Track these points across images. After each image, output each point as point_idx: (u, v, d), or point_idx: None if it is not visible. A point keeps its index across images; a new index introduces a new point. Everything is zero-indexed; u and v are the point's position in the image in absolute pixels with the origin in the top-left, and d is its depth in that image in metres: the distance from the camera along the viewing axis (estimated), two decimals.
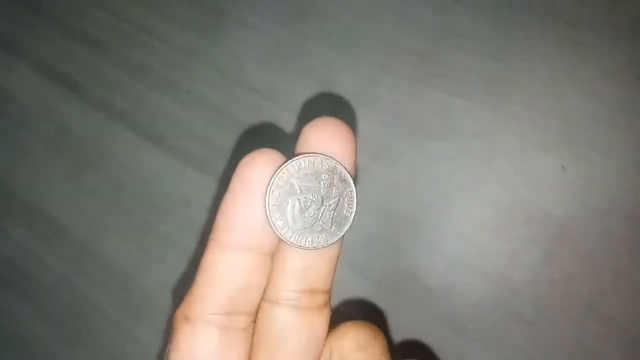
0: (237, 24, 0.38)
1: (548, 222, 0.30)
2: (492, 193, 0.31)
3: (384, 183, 0.33)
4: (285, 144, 0.35)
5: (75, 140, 0.40)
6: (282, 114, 0.36)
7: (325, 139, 0.18)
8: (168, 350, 0.19)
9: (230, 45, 0.38)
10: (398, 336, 0.32)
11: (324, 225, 0.18)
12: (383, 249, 0.33)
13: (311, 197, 0.18)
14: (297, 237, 0.18)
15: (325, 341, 0.20)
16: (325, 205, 0.18)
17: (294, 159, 0.18)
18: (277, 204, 0.18)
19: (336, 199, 0.18)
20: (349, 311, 0.32)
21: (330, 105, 0.35)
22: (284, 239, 0.18)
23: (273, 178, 0.18)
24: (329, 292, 0.20)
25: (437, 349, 0.31)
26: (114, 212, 0.38)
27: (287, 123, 0.36)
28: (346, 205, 0.19)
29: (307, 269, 0.19)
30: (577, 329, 0.30)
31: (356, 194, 0.19)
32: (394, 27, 0.34)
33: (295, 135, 0.35)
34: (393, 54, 0.34)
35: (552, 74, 0.31)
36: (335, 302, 0.30)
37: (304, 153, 0.18)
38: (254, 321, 0.19)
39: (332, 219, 0.19)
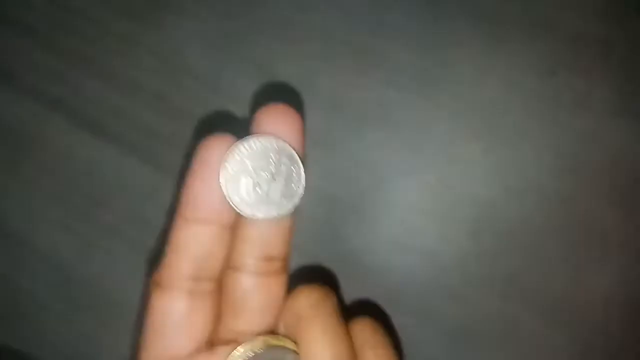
0: (178, 13, 0.38)
1: (473, 202, 0.33)
2: (424, 178, 0.34)
3: (323, 169, 0.34)
4: (227, 130, 0.36)
5: (8, 130, 0.39)
6: (223, 102, 0.36)
7: (275, 123, 0.21)
8: (142, 314, 0.22)
9: (171, 33, 0.38)
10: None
11: (275, 199, 0.21)
12: (324, 232, 0.34)
13: (262, 174, 0.21)
14: (251, 210, 0.20)
15: (283, 303, 0.23)
16: (276, 181, 0.21)
17: (245, 139, 0.20)
18: (232, 181, 0.20)
19: (285, 174, 0.21)
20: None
21: (271, 94, 0.36)
22: (240, 211, 0.20)
23: (227, 158, 0.20)
24: (285, 260, 0.23)
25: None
26: (53, 203, 0.38)
27: (228, 110, 0.36)
28: (295, 181, 0.21)
29: (262, 238, 0.21)
30: (501, 300, 0.32)
31: (303, 170, 0.21)
32: (331, 18, 0.36)
33: (236, 122, 0.36)
34: (331, 45, 0.35)
35: (476, 67, 0.33)
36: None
37: (255, 135, 0.20)
38: (219, 286, 0.22)
39: (282, 192, 0.21)
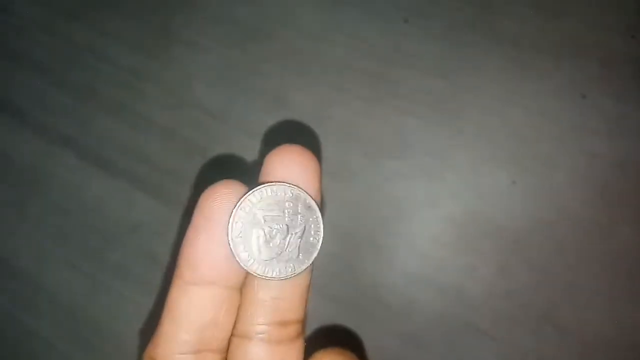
0: (187, 46, 0.38)
1: (501, 235, 0.31)
2: (446, 209, 0.32)
3: (340, 202, 0.33)
4: (238, 166, 0.35)
5: (17, 167, 0.38)
6: (234, 136, 0.35)
7: (288, 167, 0.18)
8: None
9: (180, 66, 0.37)
10: (361, 356, 0.31)
11: (290, 255, 0.18)
12: (342, 267, 0.33)
13: (276, 227, 0.18)
14: (263, 268, 0.18)
15: None
16: (291, 234, 0.18)
17: (256, 188, 0.18)
18: (241, 235, 0.18)
19: (302, 226, 0.18)
20: (313, 334, 0.32)
21: (283, 126, 0.35)
22: (249, 271, 0.18)
23: (235, 209, 0.17)
24: (302, 322, 0.19)
25: None
26: (60, 241, 0.37)
27: (240, 144, 0.35)
28: (312, 232, 0.18)
29: (276, 300, 0.18)
30: (534, 339, 0.30)
31: (322, 220, 0.18)
32: (345, 48, 0.35)
33: (247, 157, 0.35)
34: (345, 74, 0.34)
35: (498, 92, 0.32)
36: (311, 331, 0.30)
37: (266, 182, 0.18)
38: (225, 359, 0.19)
39: (298, 247, 0.18)
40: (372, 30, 0.34)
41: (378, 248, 0.32)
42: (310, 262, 0.18)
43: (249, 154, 0.35)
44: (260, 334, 0.18)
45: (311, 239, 0.18)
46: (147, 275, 0.35)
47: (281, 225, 0.18)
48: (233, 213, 0.17)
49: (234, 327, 0.19)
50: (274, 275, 0.18)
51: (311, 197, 0.18)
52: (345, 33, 0.35)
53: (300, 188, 0.18)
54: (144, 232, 0.35)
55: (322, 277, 0.32)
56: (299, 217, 0.18)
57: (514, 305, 0.31)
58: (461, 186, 0.32)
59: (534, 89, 0.31)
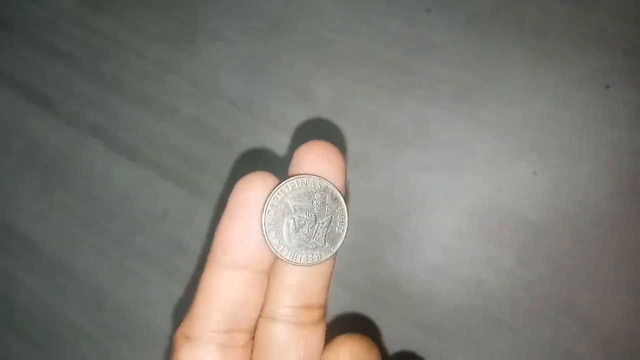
0: (211, 37, 0.38)
1: (522, 226, 0.31)
2: (467, 200, 0.32)
3: (362, 193, 0.33)
4: (262, 156, 0.35)
5: (47, 156, 0.39)
6: (258, 126, 0.36)
7: (316, 161, 0.19)
8: None
9: (204, 58, 0.38)
10: (380, 344, 0.32)
11: (317, 242, 0.19)
12: (363, 258, 0.33)
13: (305, 216, 0.19)
14: (292, 254, 0.19)
15: (321, 355, 0.20)
16: (319, 223, 0.19)
17: (288, 180, 0.19)
18: (273, 223, 0.19)
19: (329, 217, 0.19)
20: (334, 321, 0.32)
21: (306, 116, 0.35)
22: (280, 256, 0.19)
23: (269, 198, 0.19)
24: (324, 308, 0.21)
25: (419, 355, 0.31)
26: (89, 227, 0.38)
27: (263, 135, 0.36)
28: (338, 222, 0.20)
29: (302, 285, 0.20)
30: (554, 331, 0.30)
31: (347, 211, 0.20)
32: (368, 38, 0.35)
33: (270, 147, 0.35)
34: (367, 65, 0.35)
35: (521, 82, 0.32)
36: (331, 318, 0.31)
37: (297, 174, 0.19)
38: (253, 338, 0.20)
39: (325, 236, 0.19)
40: (395, 21, 0.34)
41: (399, 239, 0.33)
42: (335, 250, 0.19)
43: (272, 144, 0.35)
44: (286, 316, 0.19)
45: (337, 229, 0.19)
46: (172, 261, 0.36)
47: (310, 215, 0.19)
48: (266, 202, 0.19)
49: (262, 309, 0.20)
50: (301, 262, 0.19)
51: (338, 189, 0.19)
52: (368, 24, 0.35)
53: (329, 181, 0.19)
54: (170, 220, 0.36)
55: (343, 267, 0.33)
56: (327, 207, 0.19)
57: (533, 297, 0.31)
58: (482, 177, 0.32)
59: (558, 80, 0.31)
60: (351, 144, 0.33)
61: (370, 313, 0.32)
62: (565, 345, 0.30)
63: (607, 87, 0.30)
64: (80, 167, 0.39)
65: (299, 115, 0.35)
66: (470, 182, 0.32)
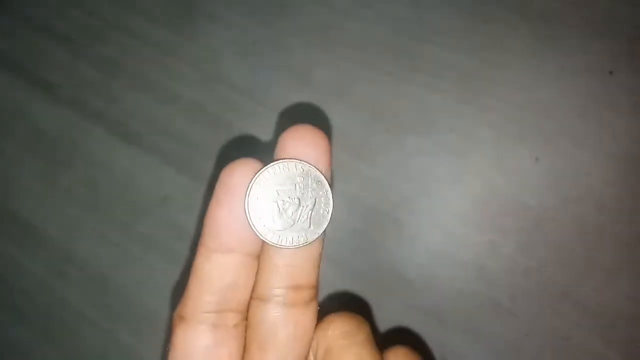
0: (212, 21, 0.38)
1: (523, 212, 0.31)
2: (469, 185, 0.32)
3: (364, 178, 0.33)
4: (263, 140, 0.35)
5: (48, 140, 0.39)
6: (259, 110, 0.36)
7: (300, 145, 0.20)
8: (167, 349, 0.20)
9: (206, 41, 0.38)
10: (382, 327, 0.32)
11: (302, 225, 0.20)
12: (364, 243, 0.33)
13: (288, 200, 0.20)
14: (278, 237, 0.20)
15: (313, 333, 0.21)
16: (303, 206, 0.20)
17: (269, 165, 0.19)
18: (257, 207, 0.19)
19: (312, 199, 0.20)
20: (334, 305, 0.32)
21: (308, 101, 0.35)
22: (265, 239, 0.19)
23: (251, 184, 0.19)
24: (315, 288, 0.21)
25: (419, 339, 0.31)
26: (90, 212, 0.38)
27: (264, 119, 0.36)
28: (323, 205, 0.20)
29: (290, 267, 0.20)
30: (554, 316, 0.31)
31: (331, 194, 0.20)
32: (371, 23, 0.35)
33: (272, 132, 0.35)
34: (370, 49, 0.34)
35: (525, 68, 0.32)
36: (324, 299, 0.31)
37: (279, 159, 0.19)
38: (245, 319, 0.21)
39: (310, 218, 0.20)
40: (398, 6, 0.34)
41: (400, 224, 0.33)
42: (321, 233, 0.20)
43: (274, 129, 0.35)
44: (277, 297, 0.20)
45: (321, 211, 0.20)
46: (173, 246, 0.36)
47: (293, 199, 0.20)
48: (249, 187, 0.19)
49: (254, 290, 0.21)
50: (287, 244, 0.20)
51: (321, 172, 0.20)
52: (371, 8, 0.35)
53: (310, 164, 0.19)
54: (171, 205, 0.36)
55: (344, 252, 0.33)
56: (310, 191, 0.20)
57: (534, 282, 0.31)
58: (484, 163, 0.32)
59: (561, 66, 0.31)
60: (353, 129, 0.33)
61: (371, 298, 0.32)
62: (564, 331, 0.30)
63: (611, 72, 0.30)
64: (81, 152, 0.39)
65: (300, 100, 0.35)
66: (472, 168, 0.32)
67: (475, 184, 0.32)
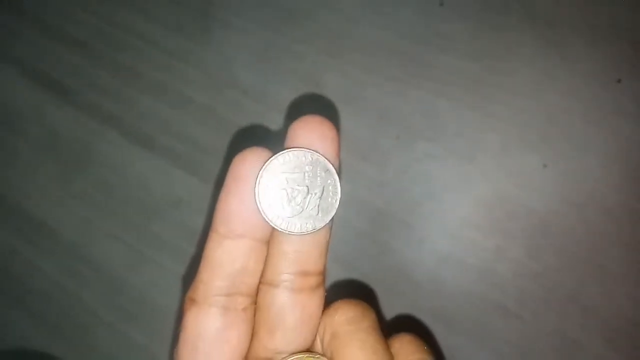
0: (225, 27, 0.39)
1: (530, 217, 0.31)
2: (477, 190, 0.32)
3: (372, 182, 0.34)
4: (273, 143, 0.36)
5: (64, 143, 0.40)
6: (270, 115, 0.36)
7: (309, 135, 0.20)
8: (178, 331, 0.21)
9: (218, 47, 0.38)
10: (388, 329, 0.32)
11: (311, 212, 0.20)
12: (372, 246, 0.33)
13: (297, 187, 0.20)
14: (286, 224, 0.20)
15: (320, 319, 0.22)
16: (311, 194, 0.20)
17: (279, 153, 0.20)
18: (266, 194, 0.20)
19: (320, 188, 0.20)
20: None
21: (317, 106, 0.36)
22: (274, 225, 0.20)
23: (261, 172, 0.20)
24: (322, 274, 0.22)
25: (426, 340, 0.32)
26: (104, 214, 0.38)
27: (275, 123, 0.36)
28: (331, 193, 0.20)
29: (298, 253, 0.21)
30: (560, 320, 0.31)
31: (339, 182, 0.20)
32: (380, 29, 0.35)
33: (283, 135, 0.36)
34: (379, 55, 0.35)
35: (532, 74, 0.32)
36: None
37: (288, 148, 0.20)
38: (254, 302, 0.22)
39: (318, 206, 0.20)
40: (406, 12, 0.35)
41: (409, 228, 0.33)
42: (329, 220, 0.20)
43: (284, 134, 0.36)
44: (285, 282, 0.21)
45: (329, 199, 0.20)
46: (186, 248, 0.36)
47: (302, 187, 0.20)
48: (259, 175, 0.20)
49: (263, 275, 0.21)
50: (295, 231, 0.20)
51: (329, 161, 0.20)
52: (381, 14, 0.35)
53: (319, 153, 0.20)
54: (184, 208, 0.37)
55: (353, 254, 0.33)
56: (318, 179, 0.20)
57: (540, 286, 0.31)
58: (492, 168, 0.32)
59: (569, 72, 0.31)
60: (362, 134, 0.34)
61: (379, 300, 0.33)
62: (572, 335, 0.30)
63: (619, 80, 0.30)
64: (96, 155, 0.39)
65: (310, 104, 0.36)
66: (480, 173, 0.32)
67: (483, 188, 0.32)
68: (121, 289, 0.37)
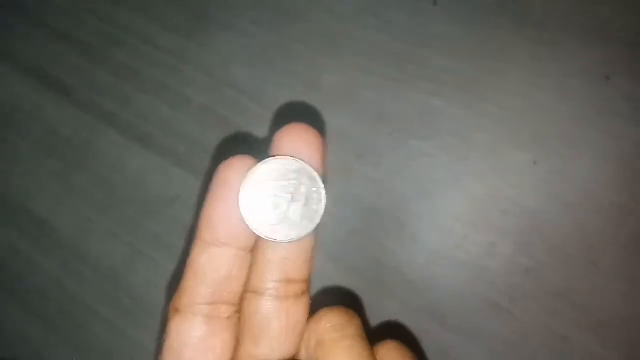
0: (224, 28, 0.39)
1: (521, 214, 0.32)
2: (469, 188, 0.33)
3: (367, 180, 0.34)
4: (270, 143, 0.36)
5: (63, 141, 0.41)
6: (267, 115, 0.37)
7: (294, 143, 0.20)
8: (162, 339, 0.21)
9: (216, 48, 0.39)
10: (380, 327, 0.33)
11: (295, 220, 0.20)
12: (365, 244, 0.34)
13: (282, 195, 0.20)
14: (271, 232, 0.20)
15: (305, 326, 0.22)
16: (295, 202, 0.20)
17: (264, 161, 0.20)
18: (251, 203, 0.20)
19: (305, 196, 0.20)
20: (332, 303, 0.33)
21: (314, 106, 0.36)
22: (258, 234, 0.20)
23: (246, 179, 0.20)
24: (306, 282, 0.22)
25: (418, 339, 0.32)
26: (103, 212, 0.39)
27: (272, 123, 0.37)
28: (315, 201, 0.20)
29: (283, 261, 0.20)
30: (552, 317, 0.31)
31: (324, 190, 0.20)
32: (375, 30, 0.36)
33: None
34: (374, 56, 0.35)
35: (523, 74, 0.32)
36: (319, 295, 0.32)
37: (274, 156, 0.20)
38: (238, 311, 0.21)
39: (302, 214, 0.20)
40: (401, 13, 0.35)
41: (401, 225, 0.34)
42: (313, 228, 0.20)
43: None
44: (270, 290, 0.20)
45: (314, 207, 0.20)
46: (183, 245, 0.37)
47: (286, 195, 0.20)
48: (244, 183, 0.20)
49: (247, 283, 0.21)
50: (279, 239, 0.20)
51: (314, 169, 0.20)
52: (376, 16, 0.36)
53: (304, 161, 0.20)
54: (181, 206, 0.37)
55: (345, 251, 0.34)
56: (303, 187, 0.20)
57: (532, 283, 0.31)
58: (484, 166, 0.33)
59: (558, 71, 0.32)
60: (358, 133, 0.34)
61: (371, 297, 0.33)
62: (562, 332, 0.31)
63: (607, 78, 0.31)
64: (95, 153, 0.40)
65: (307, 104, 0.36)
66: (472, 171, 0.33)
67: (475, 186, 0.33)
68: (119, 286, 0.38)
